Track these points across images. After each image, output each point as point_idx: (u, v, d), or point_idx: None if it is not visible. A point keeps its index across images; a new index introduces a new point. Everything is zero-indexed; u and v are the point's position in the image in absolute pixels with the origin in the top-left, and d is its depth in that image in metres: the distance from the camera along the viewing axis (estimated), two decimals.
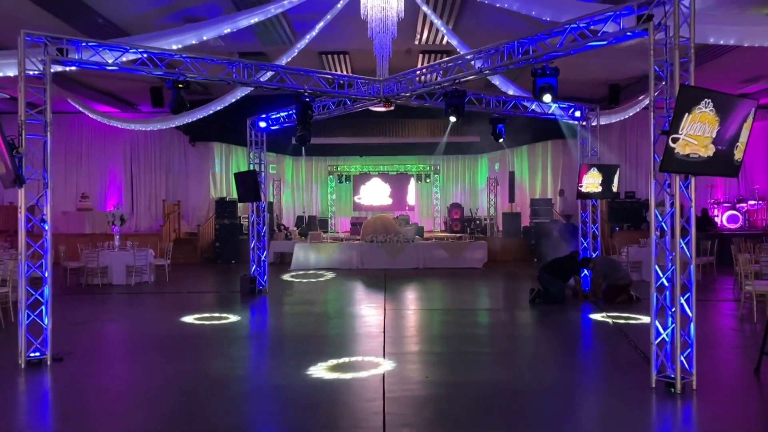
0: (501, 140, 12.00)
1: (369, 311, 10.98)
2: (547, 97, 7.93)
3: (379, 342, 8.47)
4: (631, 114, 16.44)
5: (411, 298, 12.84)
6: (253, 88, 12.02)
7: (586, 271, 12.05)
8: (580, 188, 11.71)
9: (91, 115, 15.92)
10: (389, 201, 23.81)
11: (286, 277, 16.06)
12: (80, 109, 15.37)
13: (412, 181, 23.91)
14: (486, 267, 17.14)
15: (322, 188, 24.10)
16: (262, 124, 12.93)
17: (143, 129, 16.43)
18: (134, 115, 18.78)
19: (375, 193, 23.89)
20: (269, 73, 9.65)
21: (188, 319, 10.16)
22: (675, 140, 5.91)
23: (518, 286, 13.82)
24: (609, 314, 10.17)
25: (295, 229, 20.49)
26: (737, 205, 20.34)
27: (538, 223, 18.57)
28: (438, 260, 17.22)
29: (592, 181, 11.56)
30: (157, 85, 17.79)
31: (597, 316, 10.16)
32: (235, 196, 22.22)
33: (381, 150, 22.61)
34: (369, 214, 22.59)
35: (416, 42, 14.35)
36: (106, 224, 20.20)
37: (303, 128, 11.39)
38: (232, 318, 10.27)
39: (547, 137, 21.36)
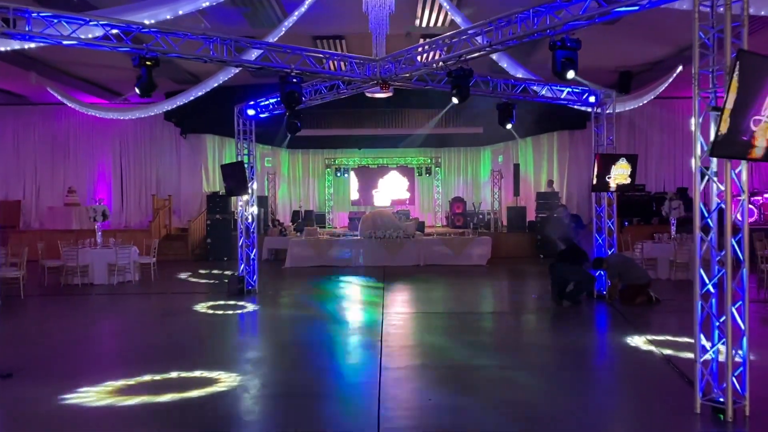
0: (510, 126, 10.84)
1: (366, 314, 9.89)
2: (570, 74, 6.82)
3: (375, 353, 7.37)
4: (644, 101, 15.28)
5: (411, 298, 11.74)
6: (238, 70, 10.91)
7: (600, 271, 10.93)
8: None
9: (69, 104, 14.77)
10: (404, 195, 22.74)
11: (279, 275, 14.97)
12: (58, 97, 14.22)
13: (413, 174, 22.79)
14: (490, 264, 16.03)
15: (319, 182, 22.96)
16: (251, 112, 11.81)
17: (122, 118, 15.31)
18: (113, 104, 17.61)
19: (375, 187, 22.81)
20: (254, 53, 8.54)
21: (160, 326, 9.07)
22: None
23: (526, 285, 12.72)
24: (633, 325, 9.07)
25: (291, 224, 19.36)
26: (752, 199, 19.19)
27: (544, 217, 17.36)
28: (439, 257, 16.11)
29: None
30: None
31: (620, 325, 9.07)
32: None
33: (380, 142, 21.47)
34: (368, 209, 21.49)
35: (416, 23, 13.20)
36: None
37: (292, 115, 10.30)
38: (214, 319, 9.19)
39: (553, 128, 20.23)
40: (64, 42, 6.96)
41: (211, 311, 10.11)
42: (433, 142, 21.56)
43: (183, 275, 15.07)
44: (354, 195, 22.81)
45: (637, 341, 7.82)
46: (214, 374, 6.50)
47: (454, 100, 8.23)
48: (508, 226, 18.59)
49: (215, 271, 15.34)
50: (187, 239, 18.56)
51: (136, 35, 7.41)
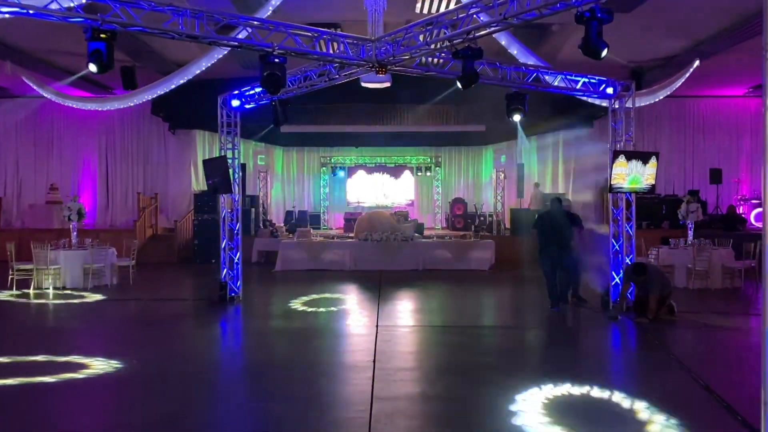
0: (518, 118, 9.67)
1: (358, 328, 8.71)
2: (605, 51, 5.65)
3: (367, 377, 6.20)
4: (660, 97, 14.12)
5: (409, 309, 10.55)
6: (221, 55, 9.75)
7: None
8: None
9: (46, 95, 13.60)
10: (402, 195, 21.57)
11: (269, 279, 13.80)
12: (34, 87, 13.03)
13: (411, 173, 21.60)
14: (493, 269, 14.87)
15: (314, 181, 21.76)
16: (235, 103, 10.64)
17: (101, 109, 14.12)
18: (92, 94, 16.41)
19: (371, 187, 21.62)
20: (241, 35, 7.39)
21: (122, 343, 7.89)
22: None
23: (534, 294, 11.53)
24: (660, 340, 7.90)
25: (282, 225, 18.18)
26: None
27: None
28: (440, 261, 14.94)
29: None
30: (129, 65, 15.51)
31: (652, 346, 7.90)
32: None
33: (378, 140, 20.27)
34: (364, 209, 20.31)
35: (417, 11, 12.02)
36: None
37: (279, 105, 9.14)
38: (186, 333, 8.01)
39: (558, 127, 19.06)
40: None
41: (183, 321, 8.94)
42: (433, 140, 20.39)
43: (165, 279, 13.89)
44: (350, 195, 21.61)
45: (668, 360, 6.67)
46: (168, 409, 5.33)
47: (459, 85, 7.07)
48: (512, 229, 17.41)
49: (200, 275, 14.16)
50: (174, 240, 17.37)
51: (90, 4, 6.24)
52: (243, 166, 18.48)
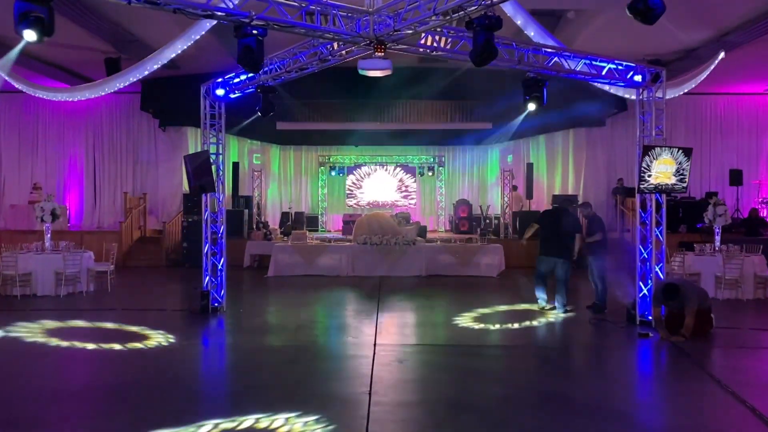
0: (532, 107, 8.44)
1: (353, 347, 7.48)
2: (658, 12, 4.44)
3: (360, 417, 4.98)
4: (684, 90, 12.88)
5: (411, 322, 9.30)
6: (199, 36, 8.51)
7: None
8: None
9: (16, 84, 12.38)
10: (404, 197, 20.33)
11: (259, 286, 12.58)
12: (2, 75, 11.81)
13: (413, 174, 20.35)
14: (501, 276, 13.63)
15: (312, 181, 20.50)
16: (220, 92, 9.41)
17: (71, 99, 12.87)
18: (60, 84, 15.16)
19: (375, 188, 20.37)
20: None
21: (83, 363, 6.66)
22: None
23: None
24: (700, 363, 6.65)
25: (277, 228, 16.95)
26: None
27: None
28: (444, 267, 13.71)
29: (664, 170, 8.17)
30: (113, 56, 14.33)
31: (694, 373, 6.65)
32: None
33: (378, 138, 19.03)
34: (364, 211, 19.07)
35: None
36: (60, 220, 16.83)
37: (263, 92, 7.93)
38: (153, 349, 6.77)
39: (569, 125, 17.84)
40: None
41: (152, 338, 7.69)
42: (437, 139, 19.13)
43: (148, 285, 12.68)
44: (349, 196, 20.35)
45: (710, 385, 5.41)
46: None
47: (473, 63, 5.83)
48: (520, 233, 16.12)
49: (187, 280, 12.90)
50: (162, 243, 16.15)
51: None
52: (236, 165, 17.30)
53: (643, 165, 8.21)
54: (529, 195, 16.35)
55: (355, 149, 20.00)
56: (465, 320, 9.13)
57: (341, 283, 12.70)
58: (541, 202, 17.77)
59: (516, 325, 8.84)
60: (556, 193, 17.59)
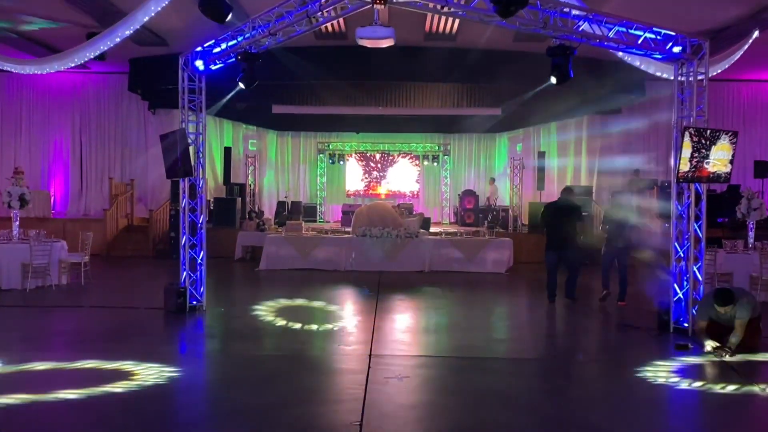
0: (553, 80, 7.21)
1: (345, 360, 6.30)
2: None
3: None
4: (719, 70, 11.61)
5: (413, 328, 8.10)
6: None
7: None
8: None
9: None
10: (407, 186, 19.10)
11: (248, 280, 11.44)
12: None
13: (418, 162, 19.10)
14: (511, 272, 12.45)
15: (311, 169, 19.27)
16: (200, 64, 8.18)
17: (39, 72, 11.66)
18: (27, 55, 13.91)
19: (372, 176, 19.14)
20: None
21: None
22: None
23: (566, 304, 9.11)
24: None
25: (270, 218, 15.76)
26: None
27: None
28: (449, 261, 12.54)
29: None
30: (95, 30, 13.10)
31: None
32: (202, 175, 17.58)
33: (380, 125, 17.80)
34: (365, 201, 17.87)
35: None
36: (42, 206, 15.74)
37: (245, 60, 6.72)
38: (107, 367, 5.59)
39: (583, 111, 16.60)
40: None
41: (117, 342, 6.53)
42: (442, 126, 17.89)
43: (127, 278, 11.54)
44: (350, 185, 19.13)
45: None
46: None
47: (498, 13, 4.61)
48: (530, 226, 14.95)
49: (172, 273, 11.71)
50: (149, 232, 15.00)
51: None
52: (228, 150, 16.12)
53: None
54: (540, 186, 15.11)
55: (356, 136, 18.77)
56: (474, 325, 7.95)
57: (337, 279, 11.53)
58: (552, 195, 16.53)
59: (532, 332, 7.64)
60: (569, 184, 16.36)
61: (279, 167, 19.13)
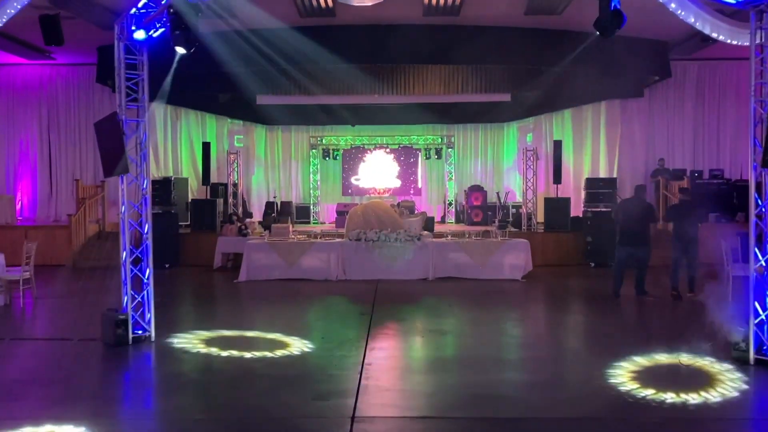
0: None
1: (317, 423, 4.38)
2: None
3: None
4: None
5: (416, 364, 6.17)
6: None
7: None
8: None
9: None
10: (407, 183, 17.14)
11: (222, 294, 9.56)
12: None
13: (419, 157, 17.15)
14: (528, 278, 10.53)
15: (303, 166, 17.35)
16: (139, 35, 6.29)
17: None
18: None
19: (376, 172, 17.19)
20: None
21: None
22: None
23: (602, 315, 7.17)
24: None
25: (253, 221, 13.84)
26: None
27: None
28: (457, 268, 10.63)
29: None
30: (50, 12, 11.23)
31: None
32: (184, 174, 15.78)
33: (377, 116, 15.86)
34: (363, 199, 15.96)
35: None
36: (5, 212, 13.89)
37: (173, 15, 4.85)
38: None
39: (600, 96, 14.66)
40: None
41: (19, 399, 4.66)
42: (446, 117, 15.92)
43: (76, 297, 9.65)
44: (345, 183, 17.19)
45: None
46: None
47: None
48: (546, 224, 13.00)
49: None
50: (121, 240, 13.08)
51: None
52: (206, 146, 14.22)
53: None
54: (557, 179, 13.14)
55: (351, 129, 16.84)
56: (494, 356, 6.03)
57: (327, 291, 9.66)
58: (569, 189, 14.59)
59: (561, 356, 5.70)
60: (587, 176, 14.41)
61: (269, 164, 17.22)
